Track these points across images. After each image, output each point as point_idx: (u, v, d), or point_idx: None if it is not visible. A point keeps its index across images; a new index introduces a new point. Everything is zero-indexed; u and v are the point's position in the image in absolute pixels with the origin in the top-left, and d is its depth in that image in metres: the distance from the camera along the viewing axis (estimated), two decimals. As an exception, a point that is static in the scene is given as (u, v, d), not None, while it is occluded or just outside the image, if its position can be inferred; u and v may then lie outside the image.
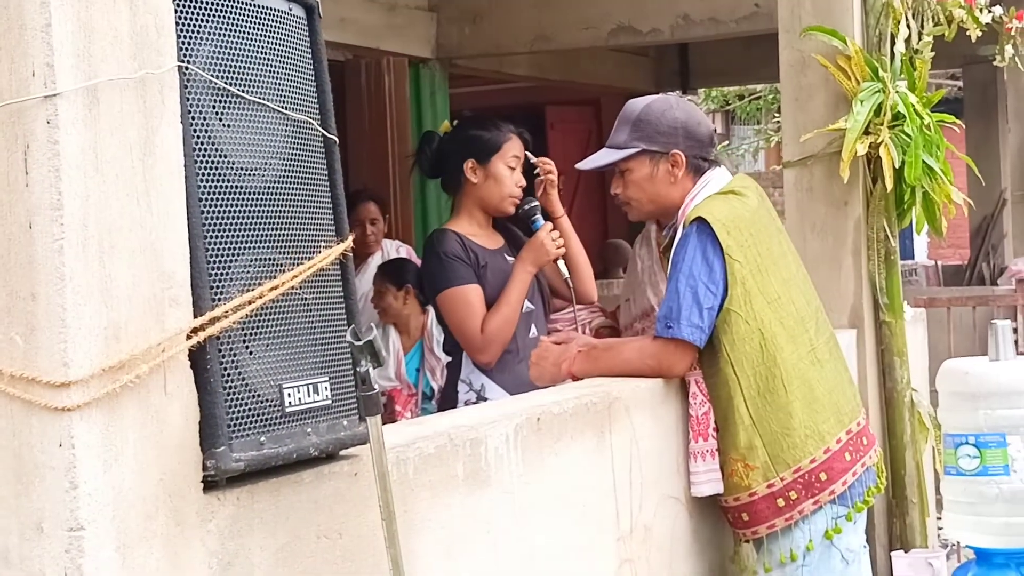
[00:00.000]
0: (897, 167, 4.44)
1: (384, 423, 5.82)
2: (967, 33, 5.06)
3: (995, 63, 6.00)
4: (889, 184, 4.46)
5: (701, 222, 3.29)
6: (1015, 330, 5.35)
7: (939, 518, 4.61)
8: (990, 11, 5.23)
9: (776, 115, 16.48)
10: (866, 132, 4.42)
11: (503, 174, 3.92)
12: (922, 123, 4.49)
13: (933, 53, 4.80)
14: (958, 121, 4.86)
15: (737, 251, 3.27)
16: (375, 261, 6.23)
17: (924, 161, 4.48)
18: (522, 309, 3.89)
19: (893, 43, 4.59)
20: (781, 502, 3.26)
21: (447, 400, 4.00)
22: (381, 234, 6.33)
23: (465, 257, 3.87)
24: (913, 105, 4.47)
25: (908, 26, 4.66)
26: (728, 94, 17.30)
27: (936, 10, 4.86)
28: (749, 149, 18.91)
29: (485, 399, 3.87)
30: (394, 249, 6.33)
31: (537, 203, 4.02)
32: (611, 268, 9.15)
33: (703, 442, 3.31)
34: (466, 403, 3.89)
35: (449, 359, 4.09)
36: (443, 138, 4.09)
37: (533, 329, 3.94)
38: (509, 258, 3.94)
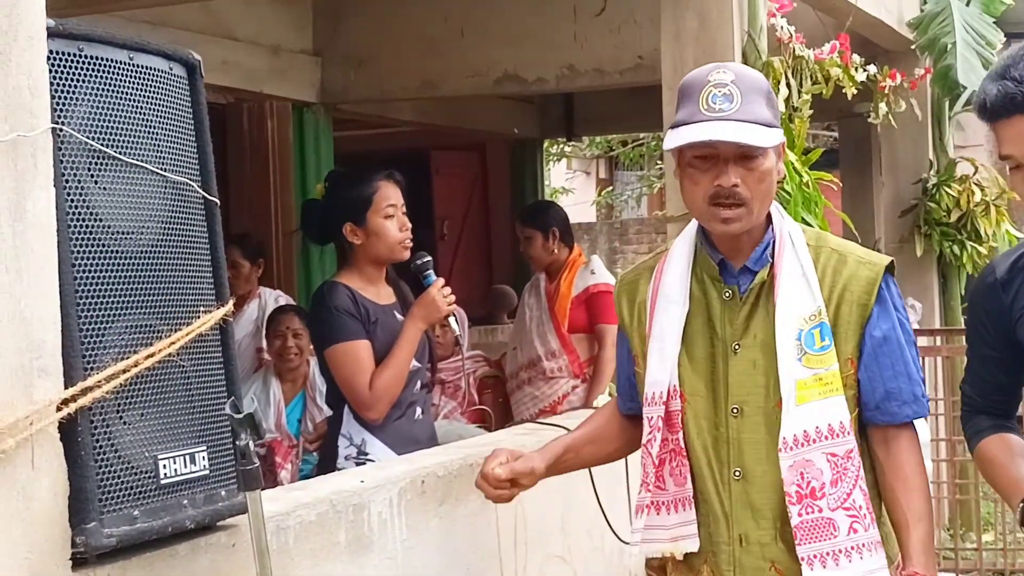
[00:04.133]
0: (777, 223, 4.49)
1: (264, 475, 5.64)
2: (843, 91, 5.16)
3: (870, 120, 6.14)
4: (769, 240, 4.51)
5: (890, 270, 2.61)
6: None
7: None
8: (865, 70, 5.35)
9: (659, 161, 16.69)
10: (747, 189, 4.46)
11: (382, 227, 3.85)
12: (801, 180, 4.56)
13: (811, 111, 4.89)
14: (835, 179, 4.95)
15: None
16: (250, 310, 6.04)
17: (803, 218, 4.54)
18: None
19: (773, 101, 4.65)
20: None
21: (327, 455, 3.92)
22: (243, 280, 5.99)
23: (356, 312, 3.79)
24: (792, 163, 4.54)
25: (788, 85, 4.74)
26: (612, 140, 17.48)
27: (814, 69, 4.96)
28: (632, 195, 19.12)
29: (366, 454, 3.81)
30: (273, 299, 6.10)
31: (429, 258, 3.95)
32: (497, 313, 9.15)
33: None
34: (346, 458, 3.82)
35: (330, 413, 4.01)
36: (320, 204, 4.03)
37: (419, 387, 3.89)
38: (399, 316, 3.88)
